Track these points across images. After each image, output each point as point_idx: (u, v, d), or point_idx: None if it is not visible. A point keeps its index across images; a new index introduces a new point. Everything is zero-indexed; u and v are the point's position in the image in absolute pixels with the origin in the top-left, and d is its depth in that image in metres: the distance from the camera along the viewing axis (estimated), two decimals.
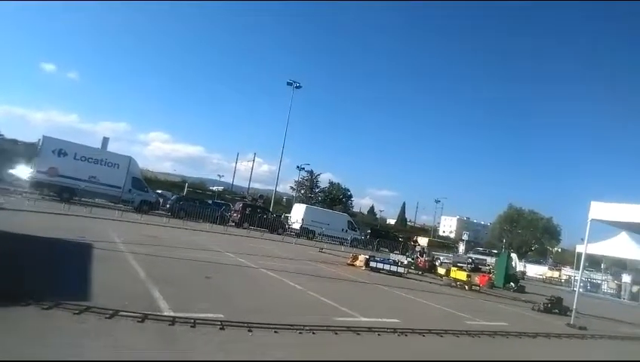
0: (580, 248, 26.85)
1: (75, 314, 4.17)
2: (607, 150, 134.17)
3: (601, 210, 10.29)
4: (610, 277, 31.26)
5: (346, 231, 34.53)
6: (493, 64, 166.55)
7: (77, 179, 22.76)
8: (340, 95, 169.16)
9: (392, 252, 26.68)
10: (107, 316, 4.27)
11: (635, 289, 25.24)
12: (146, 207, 24.77)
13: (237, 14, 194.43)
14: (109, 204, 24.56)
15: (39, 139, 22.91)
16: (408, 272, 15.74)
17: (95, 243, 9.22)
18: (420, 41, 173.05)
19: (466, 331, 6.78)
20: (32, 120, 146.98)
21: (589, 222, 10.49)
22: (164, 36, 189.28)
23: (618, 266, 31.79)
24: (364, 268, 15.03)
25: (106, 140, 29.33)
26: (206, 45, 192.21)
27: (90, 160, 23.61)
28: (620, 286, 27.39)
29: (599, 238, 25.25)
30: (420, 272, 17.17)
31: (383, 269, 14.86)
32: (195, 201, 29.81)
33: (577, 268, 22.52)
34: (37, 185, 22.57)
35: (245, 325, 4.76)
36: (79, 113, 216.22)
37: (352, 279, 11.90)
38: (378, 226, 59.37)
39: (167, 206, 28.35)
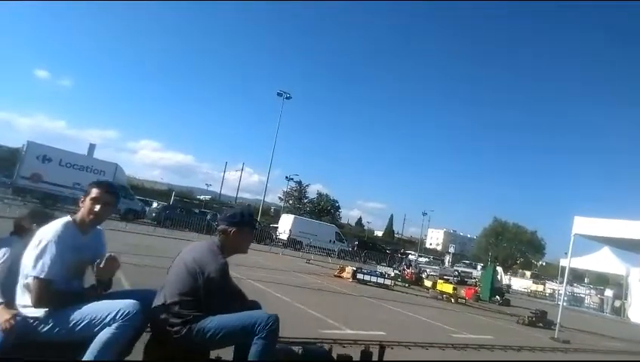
0: (563, 262, 27.23)
1: None
2: (591, 165, 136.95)
3: (584, 224, 10.47)
4: (593, 291, 31.72)
5: (334, 242, 34.49)
6: (481, 78, 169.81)
7: (61, 185, 22.38)
8: (331, 107, 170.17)
9: (380, 264, 26.69)
10: None
11: (617, 303, 25.63)
12: (131, 216, 24.45)
13: (228, 23, 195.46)
14: None
15: (23, 145, 22.55)
16: (395, 284, 15.74)
17: None
18: (410, 53, 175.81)
19: (452, 344, 6.78)
20: (19, 125, 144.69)
21: (572, 237, 10.65)
22: (160, 43, 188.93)
23: (601, 281, 32.31)
24: (351, 279, 14.99)
25: (92, 147, 29.08)
26: (201, 53, 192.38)
27: (75, 166, 23.29)
28: (602, 301, 27.79)
29: (583, 253, 25.68)
30: (407, 284, 17.19)
31: (370, 281, 14.85)
32: (182, 210, 29.52)
33: (562, 282, 22.80)
34: (19, 191, 22.15)
35: None
36: (68, 120, 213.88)
37: (339, 291, 11.86)
38: (365, 238, 59.46)
39: (153, 215, 28.02)
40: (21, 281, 2.48)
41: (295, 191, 64.12)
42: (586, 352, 9.05)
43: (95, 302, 2.50)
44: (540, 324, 11.71)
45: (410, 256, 38.31)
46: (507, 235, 66.01)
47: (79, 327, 2.39)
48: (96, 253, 2.65)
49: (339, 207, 71.32)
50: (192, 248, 2.94)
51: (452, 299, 14.44)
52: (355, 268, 15.98)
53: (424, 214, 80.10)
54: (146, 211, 28.45)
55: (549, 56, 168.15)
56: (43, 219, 2.92)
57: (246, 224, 2.99)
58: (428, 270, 27.02)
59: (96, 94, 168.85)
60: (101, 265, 2.58)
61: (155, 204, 34.28)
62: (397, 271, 19.11)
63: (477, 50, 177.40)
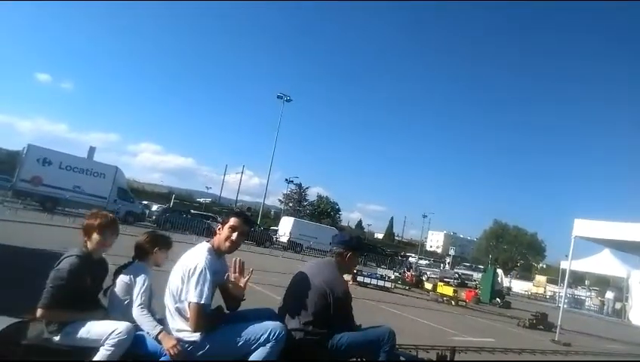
0: (564, 264, 27.19)
1: None
2: (593, 166, 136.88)
3: (584, 227, 10.47)
4: (593, 293, 31.66)
5: None
6: (482, 79, 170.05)
7: (61, 188, 22.35)
8: (331, 109, 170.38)
9: (380, 266, 26.63)
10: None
11: (617, 305, 25.58)
12: (131, 218, 24.41)
13: (229, 26, 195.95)
14: None
15: (24, 148, 22.53)
16: (395, 287, 15.72)
17: None
18: (410, 54, 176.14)
19: (453, 347, 6.76)
20: (20, 128, 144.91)
21: (572, 239, 10.65)
22: (161, 47, 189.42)
23: (601, 283, 32.23)
24: (351, 282, 14.96)
25: (92, 150, 28.91)
26: (201, 56, 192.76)
27: (75, 169, 23.24)
28: (603, 303, 27.74)
29: (583, 255, 25.65)
30: (407, 287, 17.16)
31: (370, 284, 14.83)
32: (182, 213, 29.49)
33: (560, 284, 22.75)
34: (20, 194, 22.12)
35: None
36: (69, 123, 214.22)
37: None
38: (366, 240, 59.39)
39: (153, 217, 27.97)
40: (170, 306, 2.64)
41: (295, 193, 64.07)
42: (587, 354, 9.02)
43: (243, 324, 2.69)
44: (541, 327, 11.68)
45: (410, 259, 38.28)
46: (507, 238, 65.90)
47: (235, 348, 2.60)
48: (224, 276, 2.79)
49: (339, 210, 71.26)
50: (316, 269, 3.15)
51: (452, 302, 14.42)
52: (355, 271, 15.96)
53: (424, 216, 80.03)
54: (146, 214, 28.44)
55: (550, 56, 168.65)
56: (165, 243, 3.08)
57: (358, 248, 3.38)
58: (428, 272, 26.96)
59: (98, 97, 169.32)
60: (241, 284, 2.84)
61: (154, 207, 34.29)
62: (397, 274, 19.08)
63: (476, 50, 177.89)
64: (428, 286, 17.20)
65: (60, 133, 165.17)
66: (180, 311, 2.60)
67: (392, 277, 17.38)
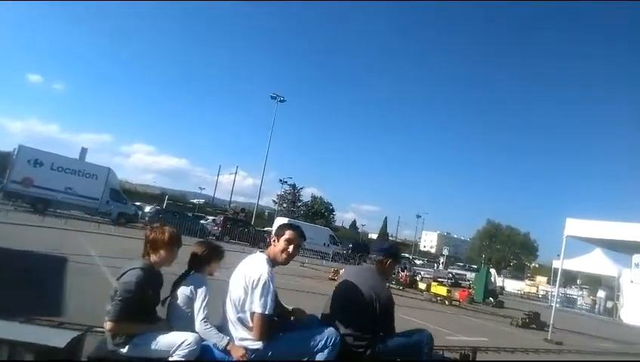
0: (556, 264, 27.41)
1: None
2: (585, 166, 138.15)
3: (576, 226, 10.55)
4: (585, 292, 31.93)
5: (328, 245, 34.43)
6: (477, 79, 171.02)
7: (52, 189, 22.14)
8: (325, 109, 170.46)
9: None
10: (81, 332, 4.12)
11: (609, 304, 25.82)
12: (123, 220, 24.25)
13: (223, 26, 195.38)
14: (86, 216, 23.93)
15: (14, 149, 22.29)
16: (389, 287, 15.74)
17: (70, 256, 8.96)
18: (404, 54, 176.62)
19: (447, 346, 6.79)
20: (10, 129, 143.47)
21: (564, 239, 10.73)
22: (154, 47, 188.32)
23: (593, 282, 32.50)
24: None
25: (84, 151, 28.66)
26: (194, 57, 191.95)
27: (67, 170, 23.03)
28: (594, 302, 27.99)
29: (575, 254, 25.87)
30: (401, 287, 17.21)
31: None
32: (175, 214, 29.33)
33: (554, 283, 22.92)
34: (10, 195, 21.88)
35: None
36: (60, 123, 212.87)
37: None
38: (360, 240, 59.43)
39: (146, 218, 27.77)
40: (232, 316, 2.78)
41: (289, 194, 64.02)
42: (579, 353, 9.10)
43: (300, 331, 2.91)
44: (533, 326, 11.77)
45: (404, 259, 38.35)
46: (500, 237, 66.33)
47: (295, 354, 2.78)
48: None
49: (333, 210, 71.40)
50: (361, 277, 3.32)
51: (446, 302, 14.48)
52: None
53: (418, 217, 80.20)
54: (139, 215, 28.24)
55: (544, 56, 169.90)
56: (221, 254, 3.14)
57: (397, 256, 3.66)
58: (422, 272, 27.10)
59: (90, 98, 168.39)
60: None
61: (147, 208, 34.04)
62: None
63: (470, 50, 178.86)
64: (422, 286, 17.26)
65: (52, 133, 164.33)
66: (242, 321, 2.74)
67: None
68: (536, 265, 71.23)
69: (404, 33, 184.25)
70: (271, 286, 2.69)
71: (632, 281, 22.78)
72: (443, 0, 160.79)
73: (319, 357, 2.76)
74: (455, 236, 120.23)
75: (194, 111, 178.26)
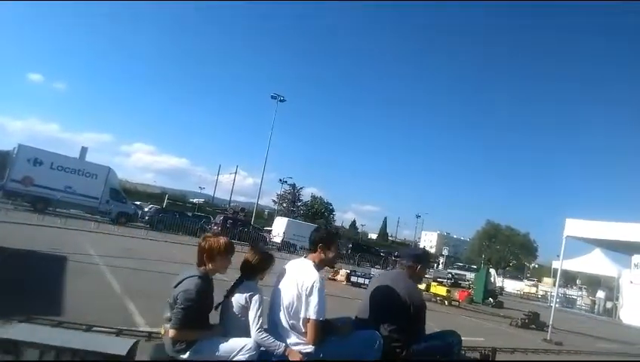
0: (556, 264, 27.42)
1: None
2: (584, 166, 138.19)
3: (576, 227, 10.53)
4: (584, 292, 31.93)
5: None
6: (475, 79, 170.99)
7: (52, 188, 22.15)
8: (326, 109, 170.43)
9: (374, 266, 26.65)
10: (81, 331, 4.13)
11: (608, 304, 25.83)
12: (123, 219, 24.25)
13: (224, 26, 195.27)
14: (86, 215, 23.93)
15: (14, 148, 22.29)
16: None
17: (70, 255, 8.95)
18: (402, 56, 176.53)
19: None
20: (11, 128, 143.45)
21: (564, 239, 10.71)
22: (155, 47, 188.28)
23: (592, 282, 32.51)
24: (345, 282, 14.98)
25: (84, 150, 28.67)
26: (195, 56, 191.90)
27: (67, 170, 23.06)
28: (594, 302, 27.99)
29: (574, 255, 25.86)
30: None
31: (364, 284, 14.82)
32: (175, 213, 29.33)
33: (554, 284, 22.91)
34: (10, 194, 21.89)
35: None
36: (61, 123, 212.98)
37: (333, 293, 11.80)
38: (359, 240, 59.41)
39: (146, 218, 27.78)
40: (284, 322, 2.89)
41: (289, 194, 64.01)
42: (579, 354, 9.09)
43: (345, 335, 3.06)
44: (533, 326, 11.75)
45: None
46: (500, 238, 66.20)
47: (344, 356, 2.92)
48: None
49: (333, 210, 71.35)
50: (394, 282, 3.50)
51: (446, 302, 14.47)
52: (349, 271, 15.97)
53: (418, 217, 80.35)
54: (139, 214, 28.26)
55: (543, 56, 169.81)
56: (273, 262, 3.22)
57: (427, 261, 3.88)
58: None
59: (91, 97, 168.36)
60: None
61: (147, 208, 34.07)
62: None
63: (470, 50, 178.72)
64: (421, 286, 17.22)
65: (52, 133, 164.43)
66: (294, 327, 2.86)
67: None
68: (536, 266, 71.25)
69: (404, 33, 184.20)
70: (323, 292, 2.85)
71: (631, 282, 22.80)
72: (443, 0, 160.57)
73: (366, 357, 2.95)
74: (455, 236, 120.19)
75: (194, 111, 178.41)
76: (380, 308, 3.37)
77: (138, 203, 35.38)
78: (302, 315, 2.83)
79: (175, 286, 2.78)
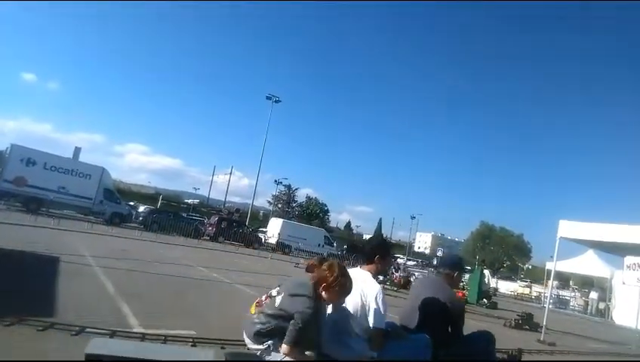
0: (549, 265, 27.57)
1: (38, 331, 3.98)
2: (578, 167, 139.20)
3: (569, 228, 10.60)
4: (577, 293, 32.15)
5: (323, 246, 34.42)
6: (469, 79, 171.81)
7: (45, 189, 21.97)
8: (321, 110, 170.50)
9: None
10: (73, 333, 4.09)
11: (601, 305, 26.02)
12: (117, 220, 24.12)
13: (218, 26, 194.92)
14: (79, 215, 23.77)
15: (7, 148, 22.11)
16: (384, 288, 15.75)
17: (62, 256, 8.88)
18: (396, 55, 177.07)
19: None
20: (3, 128, 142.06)
21: (557, 240, 10.78)
22: (148, 47, 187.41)
23: (586, 283, 32.73)
24: None
25: (77, 150, 28.52)
26: (189, 56, 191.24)
27: (60, 170, 22.89)
28: (587, 303, 28.19)
29: (568, 256, 26.02)
30: (396, 288, 17.23)
31: None
32: (170, 214, 29.20)
33: (547, 285, 23.02)
34: (3, 194, 21.69)
35: (218, 342, 4.65)
36: (54, 123, 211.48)
37: None
38: (354, 241, 59.42)
39: (140, 218, 27.63)
40: (351, 330, 3.06)
41: (284, 195, 63.98)
42: (572, 354, 9.15)
43: (394, 341, 3.24)
44: (527, 327, 11.81)
45: (398, 260, 38.40)
46: (494, 239, 66.61)
47: (401, 358, 3.13)
48: None
49: (328, 211, 71.45)
50: (434, 289, 3.80)
51: None
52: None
53: (412, 218, 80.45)
54: (133, 215, 28.10)
55: (539, 58, 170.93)
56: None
57: (462, 268, 4.24)
58: (416, 273, 27.10)
59: (84, 97, 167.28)
60: None
61: (141, 208, 33.90)
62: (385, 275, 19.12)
63: (465, 52, 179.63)
64: None
65: (45, 133, 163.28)
66: (358, 334, 3.04)
67: (380, 278, 17.43)
68: (530, 267, 71.69)
69: (400, 34, 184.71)
70: (386, 302, 3.10)
71: (623, 283, 22.93)
72: (440, 0, 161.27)
73: (419, 358, 3.20)
74: (449, 237, 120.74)
75: (188, 112, 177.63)
76: (422, 313, 3.65)
77: (132, 203, 35.21)
78: (365, 323, 3.02)
79: (291, 295, 2.87)
